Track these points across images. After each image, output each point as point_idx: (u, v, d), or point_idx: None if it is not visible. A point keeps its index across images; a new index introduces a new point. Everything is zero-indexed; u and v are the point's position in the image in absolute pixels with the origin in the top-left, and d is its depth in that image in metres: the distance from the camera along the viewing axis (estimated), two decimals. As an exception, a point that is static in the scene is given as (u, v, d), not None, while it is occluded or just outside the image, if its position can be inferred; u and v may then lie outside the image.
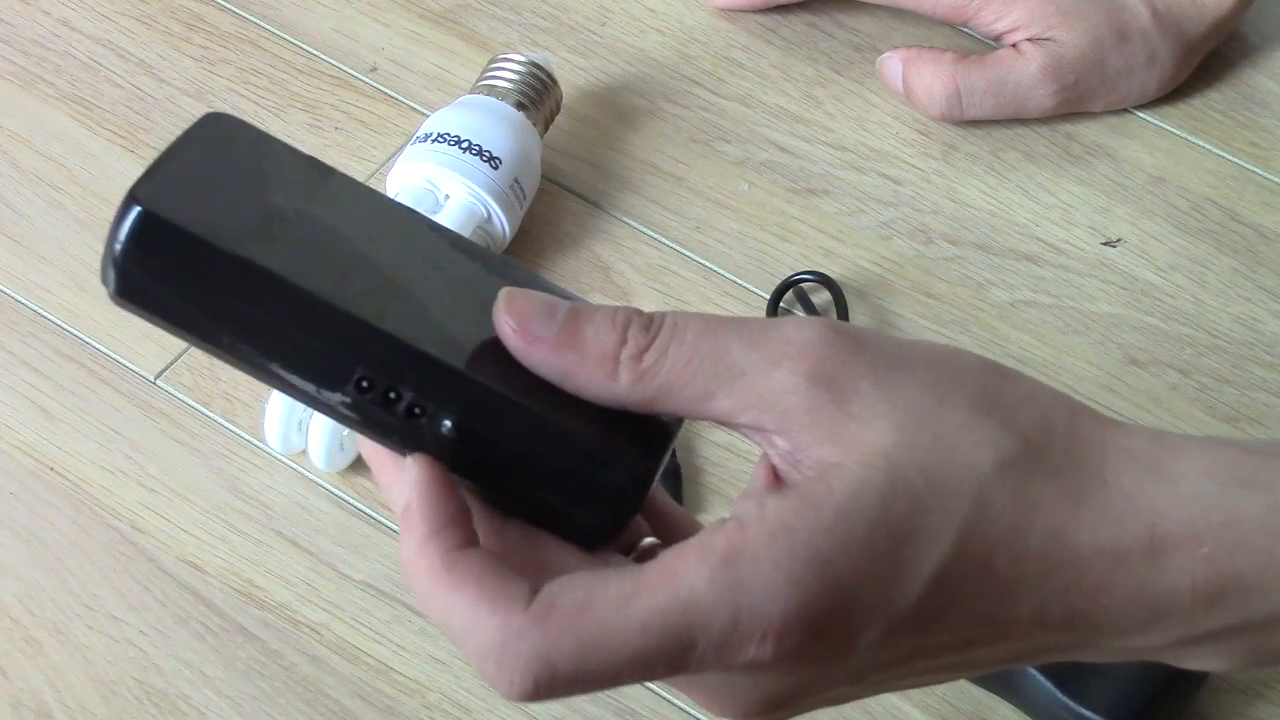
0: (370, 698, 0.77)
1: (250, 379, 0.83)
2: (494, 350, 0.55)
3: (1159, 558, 0.54)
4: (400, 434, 0.55)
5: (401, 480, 0.55)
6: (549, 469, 0.55)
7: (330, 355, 0.54)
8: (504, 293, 0.55)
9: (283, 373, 0.55)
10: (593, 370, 0.54)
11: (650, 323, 0.54)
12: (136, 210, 0.53)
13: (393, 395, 0.54)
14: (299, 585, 0.79)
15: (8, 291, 0.87)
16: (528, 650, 0.52)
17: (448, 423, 0.54)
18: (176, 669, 0.77)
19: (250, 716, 0.76)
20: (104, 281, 0.55)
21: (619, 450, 0.55)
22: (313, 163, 0.58)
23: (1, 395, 0.84)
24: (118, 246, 0.54)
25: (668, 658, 0.52)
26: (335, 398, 0.54)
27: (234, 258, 0.54)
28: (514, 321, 0.54)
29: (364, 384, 0.54)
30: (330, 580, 0.79)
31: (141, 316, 0.55)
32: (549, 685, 0.52)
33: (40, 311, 0.87)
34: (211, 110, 0.58)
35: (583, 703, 0.76)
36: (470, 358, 0.55)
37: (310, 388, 0.55)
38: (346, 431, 0.81)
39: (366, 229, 0.57)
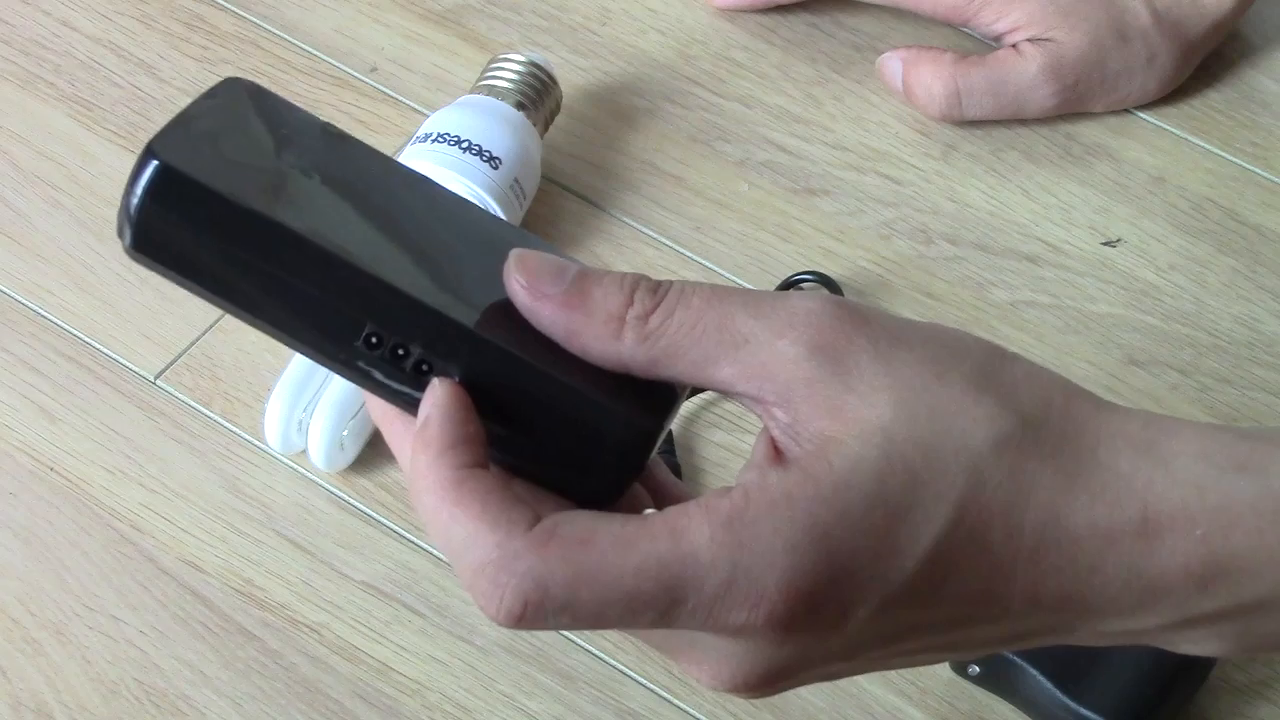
0: (370, 698, 0.77)
1: (249, 379, 0.84)
2: (503, 310, 0.55)
3: (1152, 539, 0.55)
4: (408, 390, 0.55)
5: (408, 438, 0.55)
6: (553, 427, 0.55)
7: (340, 311, 0.55)
8: (515, 252, 0.56)
9: (293, 329, 0.55)
10: (598, 330, 0.55)
11: (658, 287, 0.55)
12: (154, 164, 0.54)
13: (401, 351, 0.55)
14: (299, 585, 0.79)
15: (8, 291, 0.87)
16: (522, 570, 0.52)
17: (454, 379, 0.55)
18: (176, 669, 0.77)
19: (250, 716, 0.76)
20: (119, 235, 0.55)
21: (623, 410, 0.55)
22: (328, 127, 0.59)
23: (1, 395, 0.84)
24: (134, 200, 0.54)
25: (658, 606, 0.53)
26: (345, 354, 0.55)
27: (247, 212, 0.54)
28: (523, 279, 0.55)
29: (373, 340, 0.55)
30: (330, 580, 0.79)
31: (155, 270, 0.55)
32: (537, 610, 0.53)
33: (40, 311, 0.87)
34: (231, 75, 0.58)
35: (583, 703, 0.76)
36: (479, 316, 0.55)
37: (320, 343, 0.55)
38: (346, 431, 0.81)
39: (380, 192, 0.58)
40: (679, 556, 0.52)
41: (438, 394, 0.54)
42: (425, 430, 0.54)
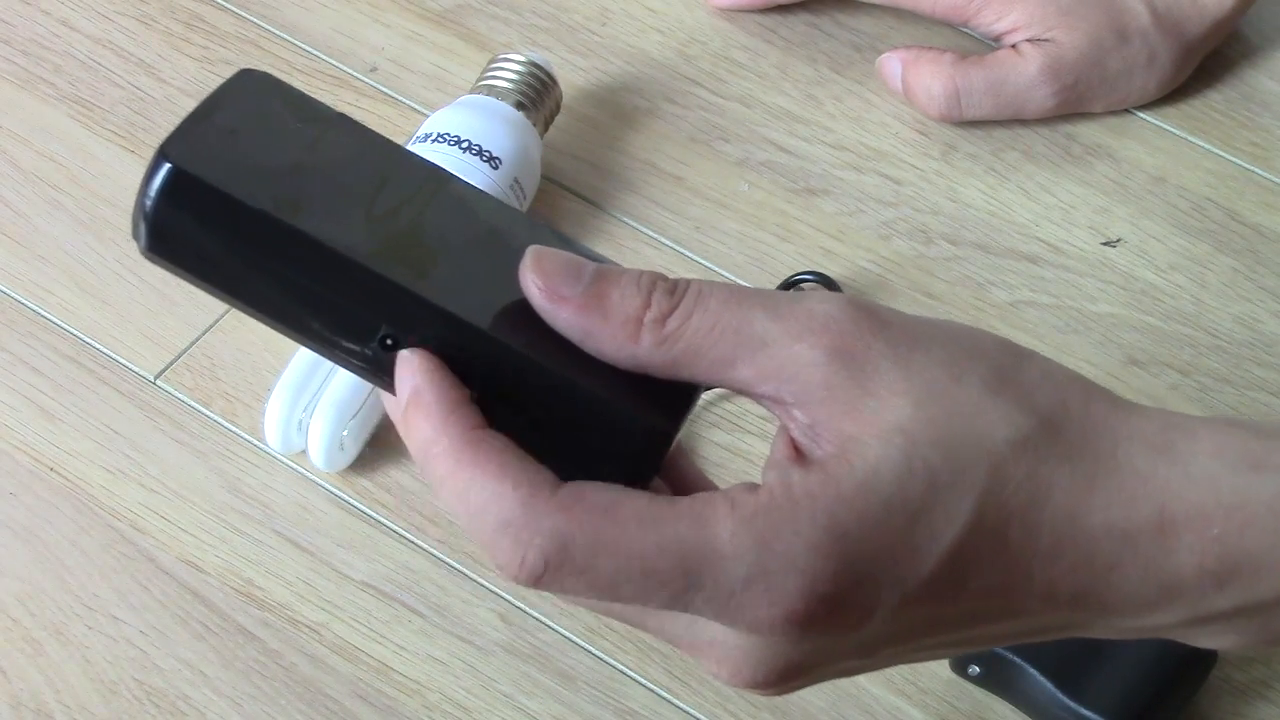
0: (370, 698, 0.77)
1: (249, 379, 0.84)
2: (519, 308, 0.55)
3: (1168, 538, 0.55)
4: None
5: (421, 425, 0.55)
6: (568, 427, 0.55)
7: (355, 313, 0.55)
8: (531, 251, 0.55)
9: (308, 329, 0.55)
10: (616, 332, 0.55)
11: (675, 288, 0.55)
12: (166, 167, 0.54)
13: None
14: (299, 585, 0.79)
15: (8, 291, 0.87)
16: (548, 529, 0.52)
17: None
18: (176, 669, 0.77)
19: (250, 716, 0.76)
20: (134, 237, 0.55)
21: (640, 411, 0.55)
22: (344, 119, 0.58)
23: (1, 395, 0.84)
24: (148, 202, 0.54)
25: (673, 587, 0.53)
26: (360, 354, 0.55)
27: (262, 215, 0.54)
28: (540, 280, 0.55)
29: (388, 341, 0.55)
30: (330, 580, 0.79)
31: (171, 271, 0.55)
32: (556, 571, 0.53)
33: (40, 311, 0.87)
34: (245, 67, 0.58)
35: (583, 703, 0.76)
36: (494, 316, 0.55)
37: (335, 343, 0.55)
38: (346, 431, 0.81)
39: (397, 186, 0.58)
40: (701, 542, 0.52)
41: (417, 364, 0.54)
42: (419, 400, 0.54)
